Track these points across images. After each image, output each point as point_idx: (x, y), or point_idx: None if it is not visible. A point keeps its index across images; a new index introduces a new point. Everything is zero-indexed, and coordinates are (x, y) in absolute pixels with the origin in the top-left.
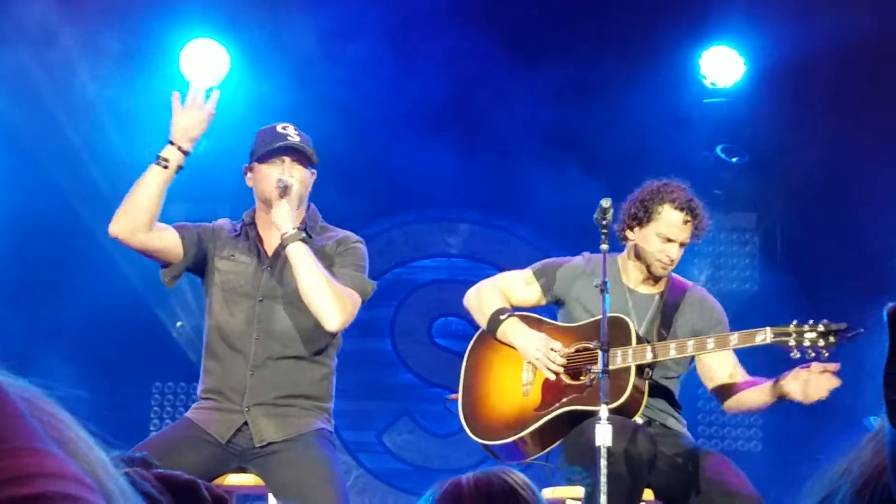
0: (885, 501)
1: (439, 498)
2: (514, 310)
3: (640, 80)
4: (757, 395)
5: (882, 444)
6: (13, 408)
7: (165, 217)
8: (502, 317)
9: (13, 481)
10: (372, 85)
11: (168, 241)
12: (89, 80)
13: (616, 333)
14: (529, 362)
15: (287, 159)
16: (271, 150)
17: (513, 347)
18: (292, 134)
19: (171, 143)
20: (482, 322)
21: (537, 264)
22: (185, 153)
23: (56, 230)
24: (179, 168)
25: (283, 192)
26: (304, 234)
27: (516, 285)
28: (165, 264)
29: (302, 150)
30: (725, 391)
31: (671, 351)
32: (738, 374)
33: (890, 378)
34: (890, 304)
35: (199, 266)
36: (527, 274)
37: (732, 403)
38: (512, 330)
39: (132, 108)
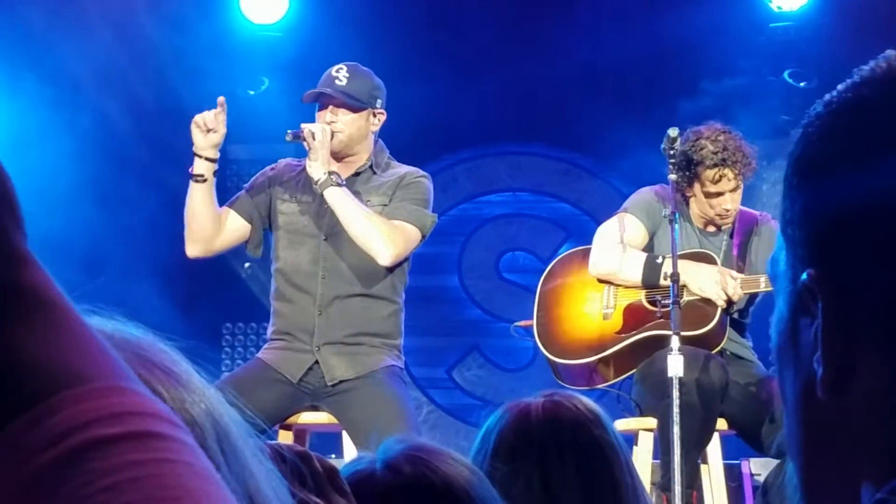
0: None
1: (506, 426)
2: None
3: (704, 6)
4: None
5: None
6: (97, 345)
7: (230, 160)
8: (658, 260)
9: (99, 421)
10: (432, 20)
11: (235, 227)
12: (149, 21)
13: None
14: (709, 298)
15: (330, 104)
16: (310, 97)
17: (685, 287)
18: (341, 77)
19: (197, 155)
20: (635, 276)
21: (628, 205)
22: (214, 160)
23: (118, 173)
24: (216, 173)
25: (295, 139)
26: (338, 179)
27: (627, 232)
28: (244, 241)
29: (335, 96)
30: None
31: (762, 284)
32: None
33: (829, 343)
34: (810, 270)
35: (268, 221)
36: (626, 217)
37: None
38: (682, 270)
39: (192, 48)
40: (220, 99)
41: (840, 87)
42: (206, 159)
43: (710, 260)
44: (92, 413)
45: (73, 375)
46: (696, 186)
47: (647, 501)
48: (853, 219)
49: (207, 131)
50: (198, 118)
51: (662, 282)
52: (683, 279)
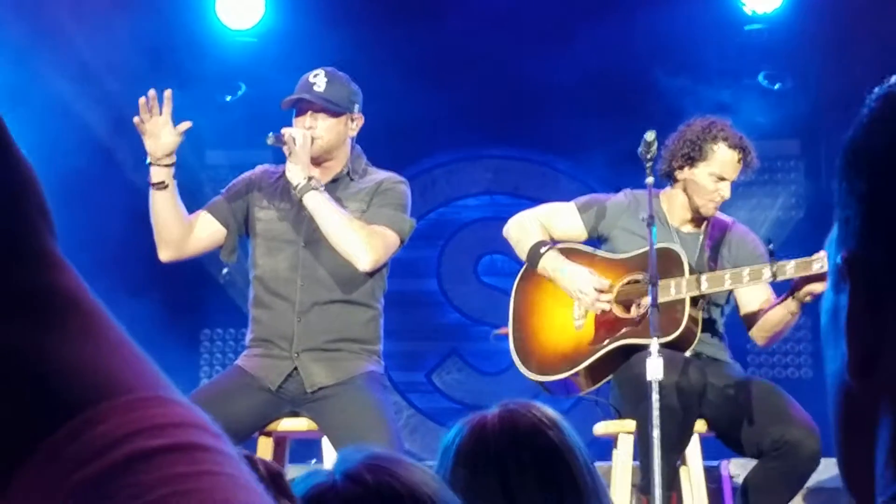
0: None
1: (464, 440)
2: (555, 243)
3: (679, 10)
4: (779, 309)
5: None
6: (134, 353)
7: (207, 165)
8: (542, 250)
9: (142, 433)
10: (410, 24)
11: (210, 231)
12: (125, 27)
13: (669, 266)
14: (575, 299)
15: (309, 110)
16: (289, 103)
17: (555, 283)
18: (319, 83)
19: (151, 164)
20: (522, 255)
21: (581, 198)
22: (171, 165)
23: (94, 177)
24: (175, 176)
25: (276, 142)
26: (317, 183)
27: (559, 217)
28: (218, 246)
29: (315, 102)
30: (754, 320)
31: (726, 282)
32: (769, 302)
33: (855, 325)
34: (847, 250)
35: (244, 227)
36: (570, 207)
37: (757, 329)
38: (552, 264)
39: (168, 54)
40: (151, 92)
41: None
42: (164, 166)
43: (674, 257)
44: (134, 424)
45: (112, 385)
46: (699, 169)
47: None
48: (888, 202)
49: (149, 134)
50: (136, 119)
51: (539, 271)
52: (552, 276)
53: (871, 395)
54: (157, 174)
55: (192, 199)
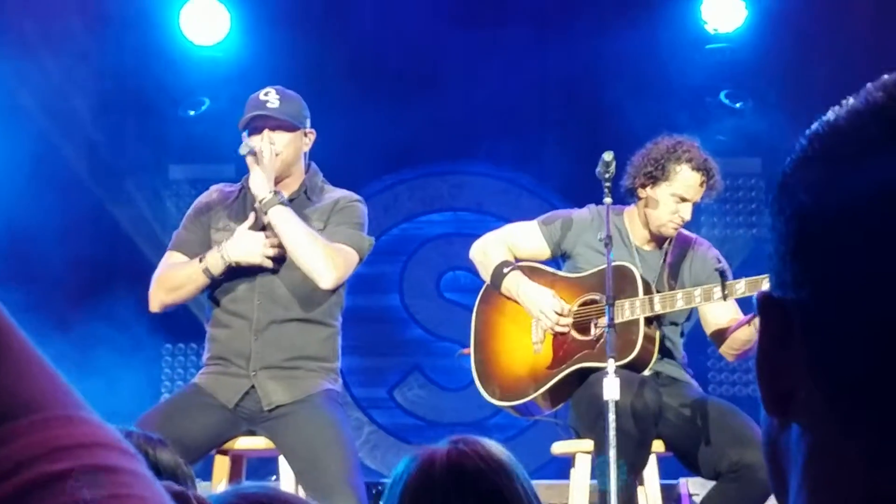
0: None
1: (411, 475)
2: (519, 262)
3: (641, 29)
4: (747, 329)
5: None
6: (45, 371)
7: (169, 181)
8: (506, 270)
9: (46, 456)
10: (374, 41)
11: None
12: (90, 43)
13: (623, 285)
14: (536, 319)
15: (266, 127)
16: (245, 122)
17: (518, 303)
18: (272, 100)
19: (228, 262)
20: (486, 277)
21: (544, 216)
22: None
23: (61, 192)
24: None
25: (249, 152)
26: (282, 197)
27: (522, 238)
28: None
29: (273, 117)
30: (723, 337)
31: (678, 301)
32: (736, 320)
33: (763, 366)
34: (761, 291)
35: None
36: (533, 226)
37: (726, 346)
38: (515, 285)
39: (132, 69)
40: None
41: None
42: (222, 257)
43: (628, 274)
44: (39, 447)
45: (19, 405)
46: (661, 189)
47: None
48: (804, 245)
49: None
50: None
51: (503, 291)
52: (515, 297)
53: (786, 432)
54: (221, 269)
55: (155, 215)
